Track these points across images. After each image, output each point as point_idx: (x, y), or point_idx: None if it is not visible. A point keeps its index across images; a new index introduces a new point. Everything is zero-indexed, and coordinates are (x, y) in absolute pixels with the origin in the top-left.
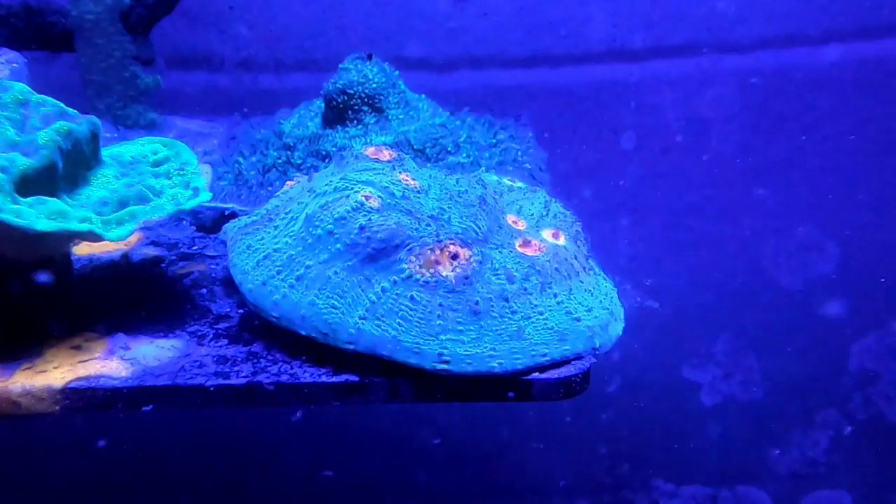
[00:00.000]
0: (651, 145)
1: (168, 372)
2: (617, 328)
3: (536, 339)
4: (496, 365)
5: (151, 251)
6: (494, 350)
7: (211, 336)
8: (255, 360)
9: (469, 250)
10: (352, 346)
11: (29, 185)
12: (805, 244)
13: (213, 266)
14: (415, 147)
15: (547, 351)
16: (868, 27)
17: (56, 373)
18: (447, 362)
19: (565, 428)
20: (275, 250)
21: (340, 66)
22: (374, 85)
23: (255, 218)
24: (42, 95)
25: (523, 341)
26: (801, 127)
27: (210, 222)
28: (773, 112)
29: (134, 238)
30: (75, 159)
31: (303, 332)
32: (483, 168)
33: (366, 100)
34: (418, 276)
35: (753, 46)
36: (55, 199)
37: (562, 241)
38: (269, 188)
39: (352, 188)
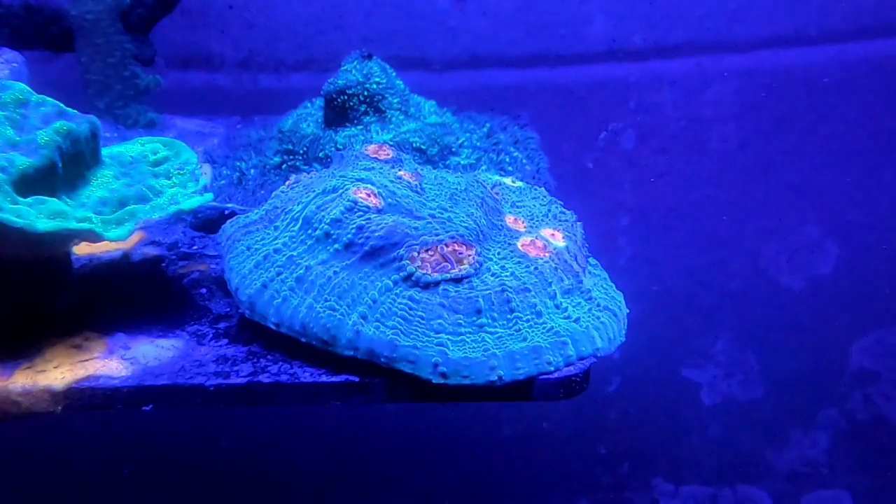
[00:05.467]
0: (651, 145)
1: (168, 372)
2: (620, 330)
3: (538, 344)
4: (496, 378)
5: (151, 251)
6: (496, 356)
7: (211, 336)
8: (255, 360)
9: (471, 249)
10: (351, 353)
11: (28, 184)
12: (805, 244)
13: (213, 266)
14: (415, 147)
15: (551, 359)
16: (867, 27)
17: (56, 372)
18: (445, 375)
19: (565, 428)
20: (275, 251)
21: (341, 66)
22: (375, 85)
23: (254, 217)
24: (42, 95)
25: (525, 345)
26: (801, 127)
27: (210, 222)
28: (773, 112)
29: (134, 238)
30: (75, 159)
31: (303, 340)
32: (484, 168)
33: (366, 99)
34: (419, 275)
35: (753, 46)
36: (55, 198)
37: (562, 241)
38: (269, 188)
39: (349, 187)
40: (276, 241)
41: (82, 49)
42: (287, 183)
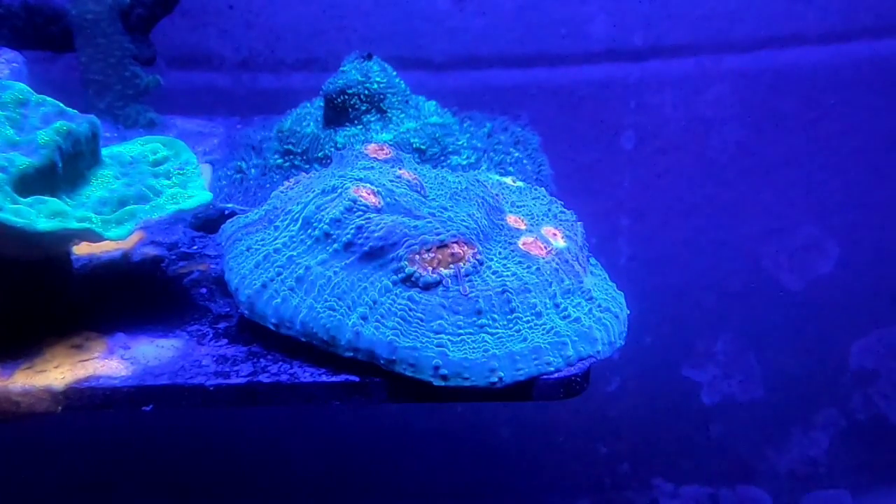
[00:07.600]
0: (651, 145)
1: (168, 371)
2: (620, 331)
3: (538, 344)
4: (496, 379)
5: (151, 251)
6: (496, 357)
7: (211, 336)
8: (255, 360)
9: (471, 248)
10: (351, 354)
11: (28, 184)
12: (805, 244)
13: (213, 266)
14: (415, 147)
15: (551, 359)
16: (868, 27)
17: (56, 372)
18: (445, 377)
19: (565, 428)
20: (274, 251)
21: (341, 66)
22: (375, 85)
23: (254, 217)
24: (42, 95)
25: (525, 345)
26: (801, 127)
27: (210, 222)
28: (773, 112)
29: (134, 238)
30: (75, 159)
31: (303, 339)
32: (484, 167)
33: (366, 99)
34: (418, 275)
35: (753, 46)
36: (55, 198)
37: (562, 241)
38: (270, 188)
39: (349, 187)
40: (275, 241)
41: (82, 49)
42: (287, 183)
